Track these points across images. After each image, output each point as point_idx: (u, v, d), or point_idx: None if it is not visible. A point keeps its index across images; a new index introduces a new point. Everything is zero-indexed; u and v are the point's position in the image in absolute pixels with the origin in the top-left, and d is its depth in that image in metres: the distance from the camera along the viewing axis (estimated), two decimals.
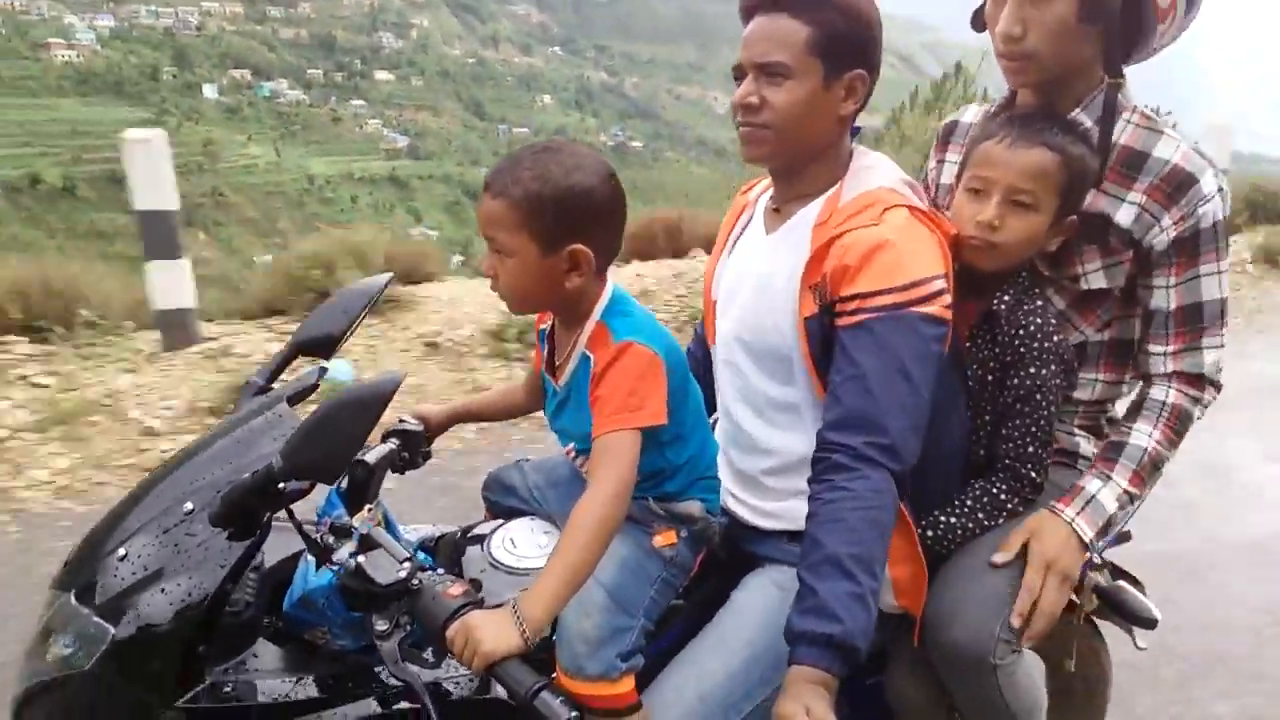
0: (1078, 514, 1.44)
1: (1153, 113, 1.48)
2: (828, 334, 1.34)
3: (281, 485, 1.11)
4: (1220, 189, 1.43)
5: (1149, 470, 1.48)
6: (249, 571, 1.28)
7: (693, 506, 1.41)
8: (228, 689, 1.19)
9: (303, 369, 1.47)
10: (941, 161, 1.75)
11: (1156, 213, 1.44)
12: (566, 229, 1.25)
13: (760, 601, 1.43)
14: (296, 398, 1.36)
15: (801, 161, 1.43)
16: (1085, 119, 1.47)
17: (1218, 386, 1.52)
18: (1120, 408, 1.62)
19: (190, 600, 1.13)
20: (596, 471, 1.23)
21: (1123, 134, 1.46)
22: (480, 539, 1.51)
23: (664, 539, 1.39)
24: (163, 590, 1.13)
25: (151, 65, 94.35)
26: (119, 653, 1.12)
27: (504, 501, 1.67)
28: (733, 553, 1.52)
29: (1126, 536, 1.88)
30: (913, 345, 1.28)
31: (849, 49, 1.37)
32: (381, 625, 1.16)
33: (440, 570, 1.21)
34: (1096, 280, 1.50)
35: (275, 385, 1.44)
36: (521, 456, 1.74)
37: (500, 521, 1.56)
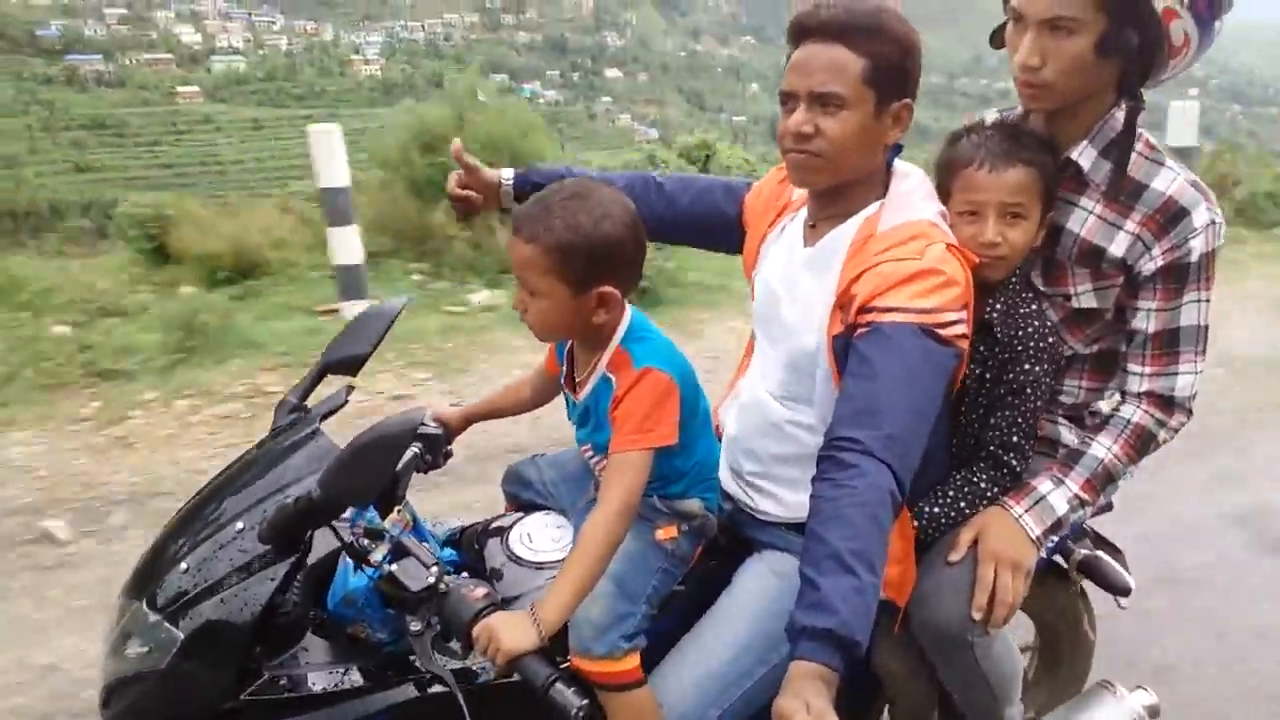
0: (1026, 511, 1.55)
1: (1156, 142, 1.54)
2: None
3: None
4: (1212, 221, 1.50)
5: (1102, 480, 1.58)
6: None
7: (693, 504, 1.54)
8: (282, 681, 1.36)
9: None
10: None
11: (1149, 242, 1.51)
12: (596, 274, 1.37)
13: (757, 588, 1.56)
14: (327, 415, 1.50)
15: (845, 186, 1.48)
16: (1092, 149, 1.54)
17: (1188, 411, 1.58)
18: (1105, 407, 1.68)
19: (245, 608, 1.28)
20: (608, 487, 1.37)
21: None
22: (500, 532, 1.65)
23: (665, 533, 1.53)
24: (221, 600, 1.28)
25: (435, 73, 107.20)
26: (187, 655, 1.27)
27: (521, 495, 1.80)
28: (732, 538, 1.65)
29: (1108, 507, 1.99)
30: (924, 355, 1.32)
31: (899, 79, 1.41)
32: (416, 625, 1.30)
33: (464, 572, 1.35)
34: (1088, 300, 1.58)
35: (308, 403, 1.57)
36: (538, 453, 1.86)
37: (519, 515, 1.70)
